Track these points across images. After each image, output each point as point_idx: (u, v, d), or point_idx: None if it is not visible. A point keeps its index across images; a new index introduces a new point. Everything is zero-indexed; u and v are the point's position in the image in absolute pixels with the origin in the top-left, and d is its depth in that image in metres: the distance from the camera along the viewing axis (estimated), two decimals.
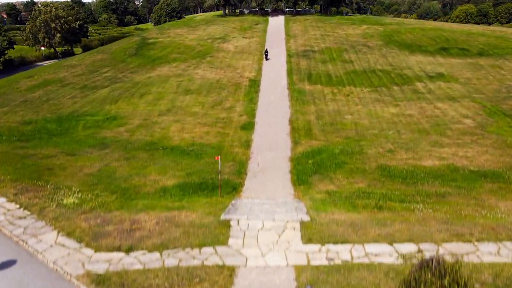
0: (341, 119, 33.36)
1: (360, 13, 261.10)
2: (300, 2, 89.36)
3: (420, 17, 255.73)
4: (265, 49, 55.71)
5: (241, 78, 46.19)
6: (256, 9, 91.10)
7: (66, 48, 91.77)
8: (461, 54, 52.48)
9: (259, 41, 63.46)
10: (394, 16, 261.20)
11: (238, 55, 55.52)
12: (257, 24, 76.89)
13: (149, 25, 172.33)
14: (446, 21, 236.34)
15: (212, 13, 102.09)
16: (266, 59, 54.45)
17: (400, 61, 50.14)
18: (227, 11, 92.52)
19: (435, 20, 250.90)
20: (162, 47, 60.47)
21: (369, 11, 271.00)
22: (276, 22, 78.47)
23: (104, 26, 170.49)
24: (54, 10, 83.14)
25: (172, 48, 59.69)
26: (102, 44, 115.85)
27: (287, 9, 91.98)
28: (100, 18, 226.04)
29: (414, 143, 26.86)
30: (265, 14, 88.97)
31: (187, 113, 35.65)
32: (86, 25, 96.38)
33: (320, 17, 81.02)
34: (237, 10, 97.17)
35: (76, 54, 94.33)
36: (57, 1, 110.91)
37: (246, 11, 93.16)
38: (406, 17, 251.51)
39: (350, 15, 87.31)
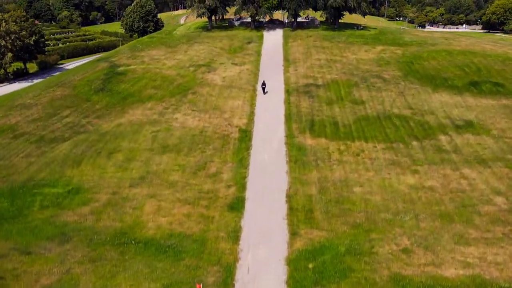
0: (348, 193, 34.33)
1: (377, 8, 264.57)
2: (301, 14, 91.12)
3: (449, 11, 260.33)
4: (262, 82, 57.10)
5: (230, 126, 47.27)
6: (248, 20, 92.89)
7: (18, 67, 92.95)
8: (495, 91, 53.92)
9: (252, 69, 64.81)
10: (417, 9, 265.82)
11: (226, 91, 56.72)
12: (249, 42, 78.46)
13: (117, 25, 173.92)
14: (480, 18, 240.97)
15: (196, 22, 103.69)
16: (264, 92, 55.78)
17: (422, 102, 51.46)
18: (214, 20, 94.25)
19: (467, 15, 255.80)
20: (135, 78, 61.64)
21: (386, 2, 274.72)
22: (273, 40, 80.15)
23: (64, 28, 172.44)
24: (4, 24, 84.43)
25: (147, 80, 60.88)
26: (62, 58, 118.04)
27: (286, 21, 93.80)
28: (60, 16, 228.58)
29: (435, 238, 27.81)
30: (260, 26, 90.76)
31: (164, 182, 36.54)
32: (42, 39, 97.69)
33: (326, 33, 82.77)
34: (225, 20, 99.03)
35: (31, 73, 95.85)
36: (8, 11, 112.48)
37: (236, 23, 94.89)
38: (431, 11, 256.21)
39: (361, 29, 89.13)
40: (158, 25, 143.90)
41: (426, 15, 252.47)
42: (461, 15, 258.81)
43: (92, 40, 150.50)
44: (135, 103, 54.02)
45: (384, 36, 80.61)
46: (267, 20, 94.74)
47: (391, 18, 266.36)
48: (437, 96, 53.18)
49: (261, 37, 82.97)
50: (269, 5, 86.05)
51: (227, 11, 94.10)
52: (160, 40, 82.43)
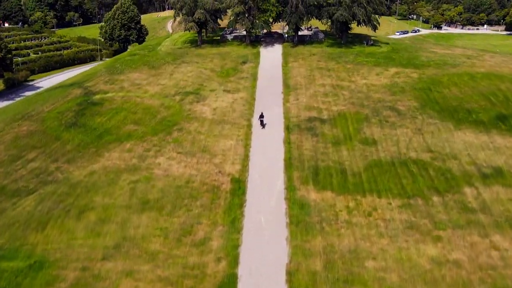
0: (359, 268, 32.70)
1: (388, 7, 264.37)
2: (302, 27, 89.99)
3: (468, 10, 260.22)
4: (260, 114, 55.85)
5: (221, 175, 45.70)
6: (242, 33, 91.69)
7: None
8: None
9: (246, 98, 63.43)
10: (433, 6, 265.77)
11: (217, 128, 55.22)
12: (244, 62, 77.22)
13: (97, 28, 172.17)
14: (503, 18, 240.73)
15: (184, 34, 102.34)
16: (262, 126, 54.42)
17: (442, 143, 50.01)
18: (204, 33, 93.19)
19: (488, 14, 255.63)
20: (113, 110, 60.16)
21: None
22: (271, 59, 78.96)
23: (37, 32, 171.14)
24: None
25: (126, 112, 59.39)
26: (33, 73, 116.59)
27: (286, 36, 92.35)
28: (32, 18, 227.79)
29: None
30: (256, 41, 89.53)
31: (142, 254, 34.85)
32: (9, 55, 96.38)
33: (332, 50, 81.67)
34: (217, 33, 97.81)
35: None
36: None
37: (229, 37, 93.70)
38: (448, 9, 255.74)
39: (371, 44, 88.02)
40: (141, 33, 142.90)
41: (442, 14, 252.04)
42: (481, 15, 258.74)
43: (67, 48, 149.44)
44: (112, 142, 52.44)
45: (397, 54, 79.49)
46: (264, 32, 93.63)
47: (403, 17, 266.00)
48: (460, 134, 51.75)
49: (258, 55, 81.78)
50: (266, 18, 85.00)
51: (219, 25, 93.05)
52: (142, 59, 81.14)
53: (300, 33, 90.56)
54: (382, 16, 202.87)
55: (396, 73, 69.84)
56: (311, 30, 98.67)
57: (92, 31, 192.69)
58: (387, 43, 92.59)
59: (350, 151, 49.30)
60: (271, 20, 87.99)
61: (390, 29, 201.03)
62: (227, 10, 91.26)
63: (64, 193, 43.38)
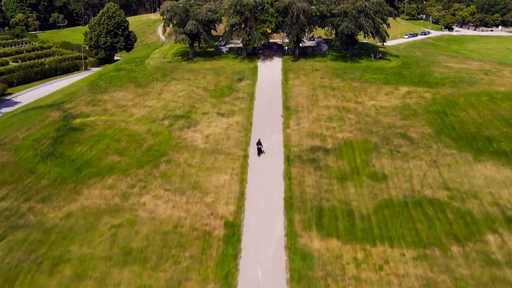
0: None
1: (395, 6, 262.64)
2: (304, 38, 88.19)
3: (481, 10, 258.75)
4: (257, 141, 54.18)
5: (213, 218, 43.62)
6: (239, 45, 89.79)
7: None
8: None
9: (242, 123, 61.46)
10: (443, 6, 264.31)
11: (210, 159, 53.21)
12: (240, 80, 75.34)
13: (82, 31, 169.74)
14: None
15: (175, 45, 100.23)
16: (259, 153, 52.64)
17: (461, 178, 48.03)
18: (196, 45, 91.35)
19: (503, 15, 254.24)
20: (94, 137, 58.15)
21: None
22: (270, 75, 77.14)
23: (18, 36, 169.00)
24: None
25: (109, 140, 57.37)
26: (11, 85, 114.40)
27: (286, 48, 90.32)
28: (13, 20, 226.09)
29: None
30: (253, 54, 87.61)
31: None
32: None
33: (336, 65, 79.85)
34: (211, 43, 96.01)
35: None
36: None
37: (224, 49, 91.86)
38: (460, 9, 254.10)
39: (379, 57, 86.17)
40: (129, 40, 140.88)
41: (453, 14, 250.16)
42: (496, 15, 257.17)
43: (49, 56, 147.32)
44: (92, 177, 50.35)
45: (408, 70, 77.64)
46: (262, 44, 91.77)
47: (411, 16, 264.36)
48: (480, 167, 49.77)
49: (255, 70, 79.93)
50: (264, 29, 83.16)
51: (212, 37, 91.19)
52: (128, 75, 79.22)
53: (301, 44, 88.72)
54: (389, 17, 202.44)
55: (407, 93, 67.90)
56: (313, 40, 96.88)
57: (78, 34, 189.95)
58: (397, 56, 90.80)
59: (358, 188, 47.24)
60: (269, 31, 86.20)
61: (398, 31, 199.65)
62: (222, 18, 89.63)
63: (36, 240, 41.21)
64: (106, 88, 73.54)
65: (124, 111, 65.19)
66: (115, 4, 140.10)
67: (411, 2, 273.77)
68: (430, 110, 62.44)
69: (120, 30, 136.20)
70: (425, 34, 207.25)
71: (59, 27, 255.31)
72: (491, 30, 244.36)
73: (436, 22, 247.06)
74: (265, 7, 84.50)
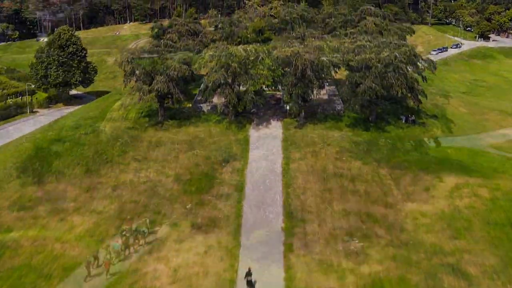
0: None
1: (419, 10, 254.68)
2: (311, 95, 79.23)
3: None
4: (247, 270, 44.01)
5: None
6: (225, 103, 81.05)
7: None
8: None
9: (227, 243, 49.43)
10: (476, 7, 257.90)
11: None
12: (225, 162, 65.66)
13: (37, 46, 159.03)
14: None
15: (135, 107, 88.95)
16: None
17: None
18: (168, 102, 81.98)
19: None
20: (14, 272, 45.40)
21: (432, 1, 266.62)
22: (265, 152, 65.08)
23: None
24: None
25: (35, 277, 46.08)
26: None
27: (287, 105, 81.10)
28: None
29: None
30: (244, 114, 78.55)
31: None
32: None
33: (356, 136, 69.41)
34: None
35: None
36: None
37: (204, 108, 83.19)
38: (497, 12, 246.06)
39: (412, 121, 77.44)
40: (88, 73, 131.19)
41: (489, 19, 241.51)
42: None
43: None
44: None
45: (452, 144, 68.54)
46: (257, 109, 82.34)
47: (438, 21, 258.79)
48: None
49: (246, 143, 68.85)
50: (258, 87, 74.72)
51: (187, 95, 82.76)
52: (75, 151, 67.56)
53: (308, 100, 79.86)
54: (413, 25, 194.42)
55: (455, 188, 56.26)
56: (323, 88, 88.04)
57: (31, 52, 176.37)
58: (435, 116, 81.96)
59: None
60: (265, 88, 77.95)
61: (424, 45, 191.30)
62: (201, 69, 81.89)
63: None
64: (42, 174, 63.37)
65: (62, 219, 53.16)
66: (70, 29, 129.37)
67: (437, 2, 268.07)
68: (490, 222, 51.27)
69: (76, 62, 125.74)
70: (456, 47, 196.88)
71: (9, 41, 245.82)
72: None
73: (468, 28, 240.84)
74: (260, 57, 76.06)
